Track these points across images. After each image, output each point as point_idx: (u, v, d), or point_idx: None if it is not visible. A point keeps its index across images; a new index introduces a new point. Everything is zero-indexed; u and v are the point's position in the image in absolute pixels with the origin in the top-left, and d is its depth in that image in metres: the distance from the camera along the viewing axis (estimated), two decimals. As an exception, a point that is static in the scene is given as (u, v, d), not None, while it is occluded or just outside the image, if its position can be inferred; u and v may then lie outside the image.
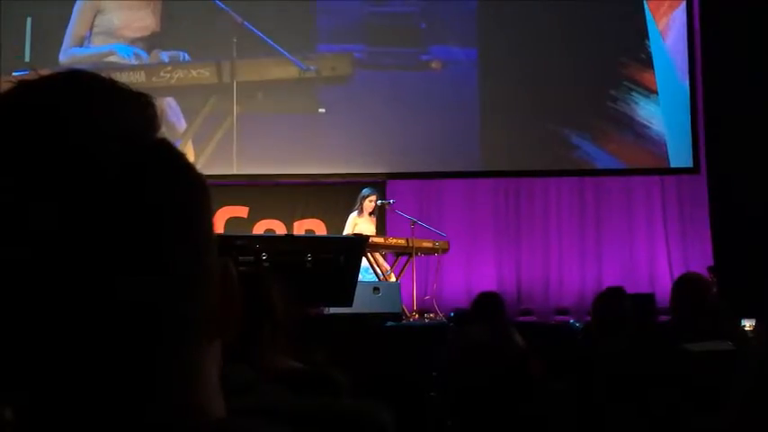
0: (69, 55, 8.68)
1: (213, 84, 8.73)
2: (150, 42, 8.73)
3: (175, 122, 8.52)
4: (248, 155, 8.53)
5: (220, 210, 8.18)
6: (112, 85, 0.59)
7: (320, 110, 8.69)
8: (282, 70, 8.72)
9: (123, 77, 7.58)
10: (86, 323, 0.53)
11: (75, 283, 0.53)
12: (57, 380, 0.54)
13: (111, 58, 8.66)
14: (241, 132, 8.60)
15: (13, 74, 8.36)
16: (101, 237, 0.53)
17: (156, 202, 0.56)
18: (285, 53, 8.68)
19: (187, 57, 8.73)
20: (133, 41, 8.72)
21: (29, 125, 0.55)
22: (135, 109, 0.59)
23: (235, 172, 8.48)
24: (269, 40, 8.65)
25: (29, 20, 8.66)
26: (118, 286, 0.54)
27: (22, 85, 0.58)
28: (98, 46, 8.74)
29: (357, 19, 8.84)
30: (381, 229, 7.65)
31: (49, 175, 0.53)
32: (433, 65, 8.73)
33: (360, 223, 7.24)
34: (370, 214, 7.35)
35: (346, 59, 8.79)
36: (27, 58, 8.64)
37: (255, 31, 8.66)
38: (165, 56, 8.75)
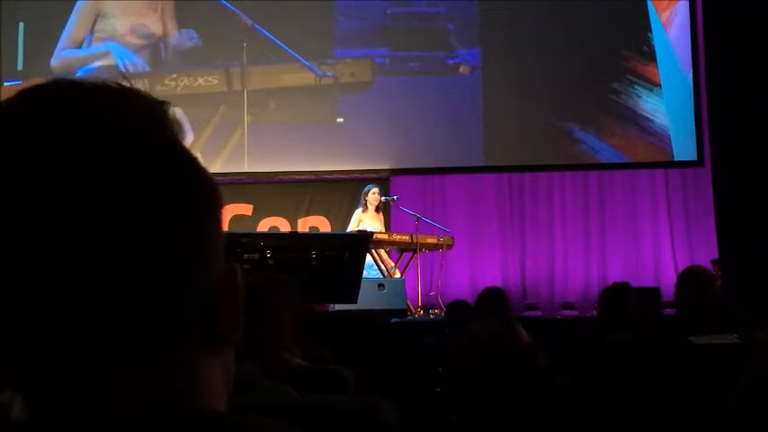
0: (61, 57, 8.35)
1: (222, 92, 8.36)
2: (155, 49, 8.46)
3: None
4: (259, 166, 8.34)
5: (225, 207, 8.14)
6: (122, 88, 0.60)
7: (338, 119, 8.35)
8: (297, 77, 8.32)
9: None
10: (89, 325, 0.54)
11: (77, 283, 0.53)
12: (59, 379, 0.55)
13: (108, 61, 8.30)
14: (252, 144, 8.31)
15: (5, 83, 8.23)
16: (105, 240, 0.53)
17: (164, 204, 0.56)
18: (300, 58, 8.30)
19: (196, 37, 8.34)
20: (137, 48, 8.42)
21: (48, 124, 0.55)
22: (147, 111, 0.59)
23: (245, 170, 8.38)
24: (282, 45, 8.28)
25: (21, 25, 8.40)
26: (121, 286, 0.54)
27: (40, 87, 0.58)
28: (91, 46, 8.35)
29: (378, 21, 8.40)
30: (386, 226, 7.66)
31: (56, 176, 0.53)
32: (462, 69, 8.42)
33: (365, 220, 7.25)
34: (377, 210, 7.35)
35: (366, 65, 8.43)
36: (20, 66, 8.39)
37: (267, 34, 8.28)
38: (176, 40, 8.34)
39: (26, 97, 0.57)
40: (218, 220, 0.61)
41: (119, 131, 0.56)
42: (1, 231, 0.53)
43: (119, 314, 0.54)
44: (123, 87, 0.60)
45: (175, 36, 8.44)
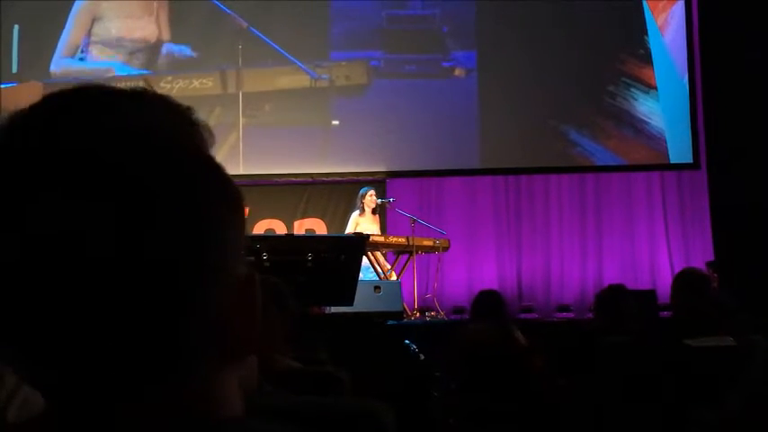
0: (62, 66, 8.32)
1: (217, 94, 8.35)
2: (151, 52, 8.44)
3: None
4: (255, 169, 8.29)
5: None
6: (147, 94, 0.59)
7: (333, 122, 8.35)
8: (292, 80, 8.32)
9: (122, 79, 7.44)
10: (104, 335, 0.52)
11: (91, 296, 0.52)
12: (69, 388, 0.54)
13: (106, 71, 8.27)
14: (247, 147, 8.30)
15: (1, 86, 8.21)
16: (125, 248, 0.52)
17: (179, 216, 0.54)
18: (295, 61, 8.30)
19: (189, 52, 8.37)
20: (133, 51, 8.40)
21: (72, 135, 0.54)
22: (170, 119, 0.59)
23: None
24: (277, 47, 8.27)
25: (16, 27, 8.38)
26: (138, 300, 0.52)
27: (61, 94, 0.57)
28: (95, 61, 8.35)
29: (373, 23, 8.42)
30: (382, 228, 7.66)
31: (73, 185, 0.52)
32: (457, 72, 8.45)
33: (362, 222, 7.24)
34: (374, 213, 7.34)
35: (362, 67, 8.43)
36: (15, 68, 8.35)
37: (262, 36, 8.27)
38: (167, 49, 8.34)
39: (50, 105, 0.56)
40: (239, 227, 0.60)
41: (140, 143, 0.55)
42: (10, 246, 0.51)
43: (135, 329, 0.53)
44: (148, 94, 0.59)
45: (169, 47, 8.43)
